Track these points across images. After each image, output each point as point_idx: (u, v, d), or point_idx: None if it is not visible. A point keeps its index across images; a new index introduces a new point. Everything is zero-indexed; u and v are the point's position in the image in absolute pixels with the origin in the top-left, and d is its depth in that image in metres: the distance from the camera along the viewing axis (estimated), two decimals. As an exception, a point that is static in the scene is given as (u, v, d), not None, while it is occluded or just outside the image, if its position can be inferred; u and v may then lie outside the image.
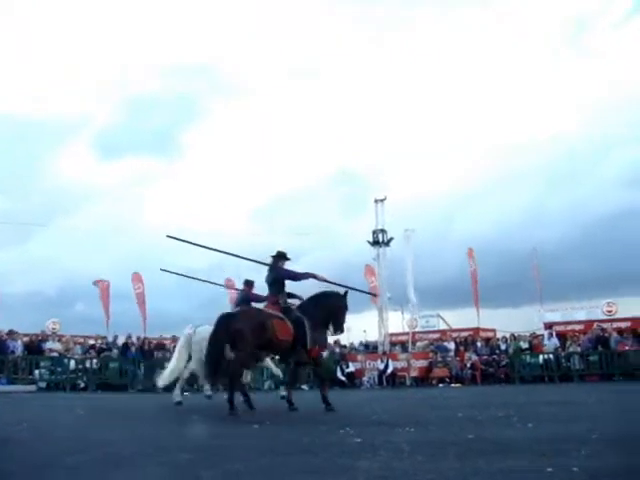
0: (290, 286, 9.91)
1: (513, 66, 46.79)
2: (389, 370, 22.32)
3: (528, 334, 23.70)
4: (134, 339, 22.61)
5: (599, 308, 26.50)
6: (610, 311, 26.06)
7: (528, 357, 22.07)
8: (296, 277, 9.79)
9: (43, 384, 19.84)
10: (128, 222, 40.00)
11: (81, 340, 23.86)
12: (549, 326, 24.46)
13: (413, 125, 48.96)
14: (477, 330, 26.18)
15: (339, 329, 10.05)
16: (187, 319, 28.90)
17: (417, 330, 27.52)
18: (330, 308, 9.73)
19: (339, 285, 10.13)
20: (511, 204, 40.65)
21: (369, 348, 26.05)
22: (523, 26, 48.18)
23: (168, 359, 21.48)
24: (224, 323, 9.17)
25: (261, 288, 10.62)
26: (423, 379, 22.64)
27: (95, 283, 26.75)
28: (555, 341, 22.49)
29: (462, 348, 23.43)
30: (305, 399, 12.05)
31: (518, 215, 38.97)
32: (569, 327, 25.69)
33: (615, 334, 22.10)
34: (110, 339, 23.41)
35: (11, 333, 20.84)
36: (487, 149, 47.36)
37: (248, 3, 52.26)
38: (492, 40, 48.48)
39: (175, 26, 50.13)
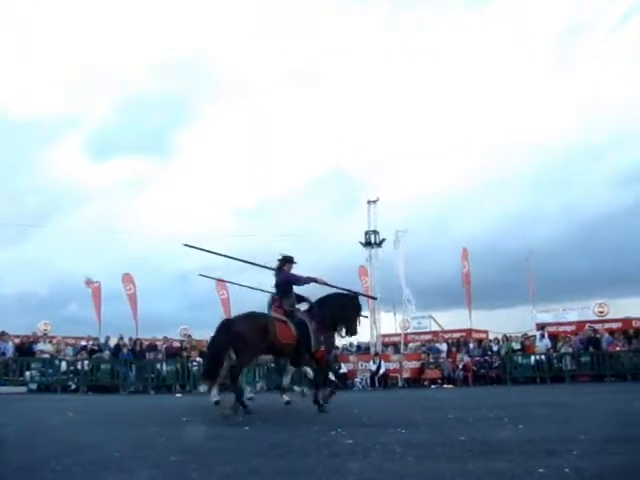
0: (299, 289, 9.96)
1: (508, 68, 46.90)
2: (381, 371, 22.31)
3: (520, 335, 23.73)
4: (126, 340, 22.52)
5: (590, 309, 26.56)
6: (602, 312, 26.12)
7: (520, 358, 22.09)
8: (298, 281, 9.83)
9: (34, 386, 19.73)
10: (120, 223, 39.85)
11: (72, 341, 23.73)
12: (541, 327, 24.48)
13: (406, 126, 49.04)
14: (469, 331, 26.19)
15: (351, 332, 10.07)
16: (179, 320, 29.02)
17: (409, 331, 27.53)
18: (341, 310, 9.76)
19: (339, 288, 10.14)
20: (504, 205, 40.81)
21: (361, 349, 26.03)
22: (520, 29, 48.16)
23: (160, 360, 21.51)
24: (225, 327, 9.26)
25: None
26: (415, 380, 22.63)
27: (86, 283, 26.62)
28: (547, 342, 22.52)
29: (454, 349, 23.44)
30: (296, 401, 12.01)
31: (511, 216, 39.09)
32: (561, 328, 25.73)
33: (606, 335, 22.16)
34: (102, 340, 23.30)
35: (2, 335, 20.73)
36: (481, 150, 47.49)
37: (240, 3, 52.12)
38: (486, 43, 48.50)
39: (170, 26, 49.86)
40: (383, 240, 25.38)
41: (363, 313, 11.16)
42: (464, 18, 48.85)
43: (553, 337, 23.46)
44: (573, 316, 26.91)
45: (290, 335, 9.30)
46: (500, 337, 23.94)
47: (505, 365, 21.81)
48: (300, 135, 51.30)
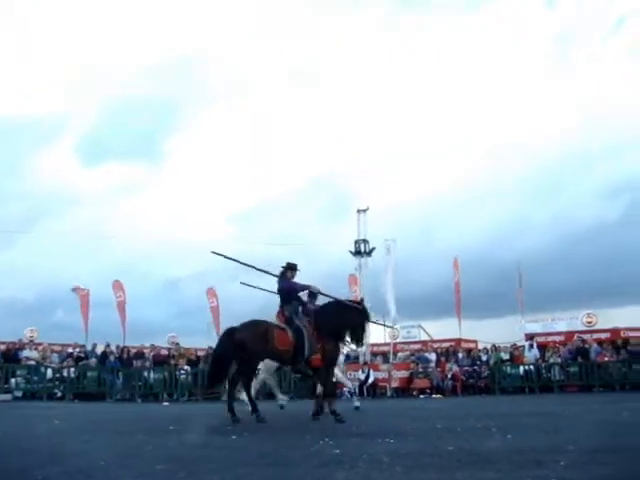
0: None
1: (500, 76, 47.13)
2: (370, 380, 22.25)
3: (509, 345, 23.77)
4: (113, 348, 22.37)
5: (579, 319, 26.65)
6: (590, 322, 26.20)
7: (509, 368, 22.13)
8: (295, 289, 9.87)
9: (19, 393, 19.57)
10: (110, 228, 39.65)
11: (59, 348, 23.56)
12: (530, 337, 24.53)
13: (397, 135, 49.15)
14: (458, 341, 26.20)
15: (357, 340, 9.97)
16: (167, 328, 28.89)
17: (398, 341, 27.49)
18: (340, 319, 9.65)
19: (331, 297, 10.11)
20: (494, 215, 40.90)
21: (350, 358, 25.95)
22: (514, 38, 48.45)
23: (147, 368, 21.37)
24: (227, 335, 9.59)
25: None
26: (404, 390, 22.59)
27: (74, 290, 26.46)
28: (536, 352, 22.57)
29: (443, 359, 23.44)
30: (285, 410, 11.98)
31: (501, 226, 39.21)
32: (550, 338, 25.79)
33: (595, 345, 22.23)
34: (88, 348, 23.14)
35: (-13, 342, 20.59)
36: (472, 160, 47.61)
37: (234, 4, 52.11)
38: (483, 46, 48.72)
39: (163, 29, 49.86)
40: (373, 249, 25.40)
41: (379, 321, 11.38)
42: (463, 19, 49.09)
43: (542, 347, 23.53)
44: (562, 326, 26.97)
45: (287, 342, 9.38)
46: (489, 347, 23.97)
47: (494, 375, 21.83)
48: (291, 143, 51.31)
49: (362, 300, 9.97)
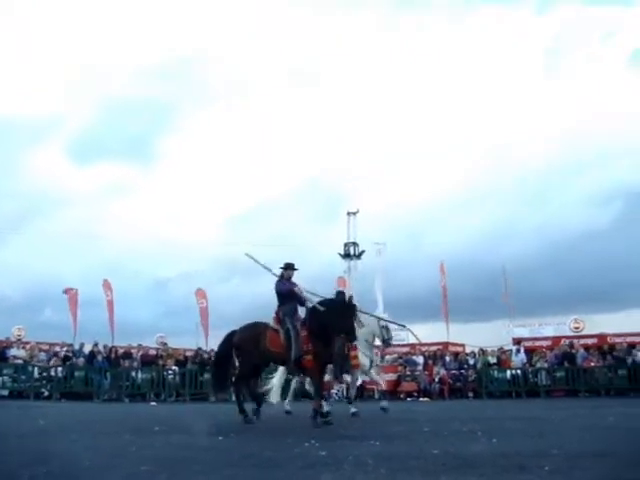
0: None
1: (490, 82, 47.24)
2: (357, 383, 22.22)
3: (496, 349, 23.86)
4: (101, 347, 22.27)
5: (566, 324, 26.77)
6: (577, 327, 26.33)
7: (496, 372, 22.21)
8: (282, 290, 9.85)
9: (5, 392, 19.45)
10: (100, 229, 39.47)
11: (46, 347, 23.44)
12: (517, 341, 24.64)
13: (388, 139, 49.08)
14: (446, 344, 26.25)
15: (349, 336, 9.47)
16: (155, 328, 28.81)
17: (387, 343, 27.47)
18: (329, 316, 9.22)
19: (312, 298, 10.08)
20: (484, 220, 40.99)
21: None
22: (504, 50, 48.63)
23: (135, 368, 21.31)
24: (227, 338, 9.95)
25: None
26: (391, 393, 22.58)
27: (65, 291, 26.36)
28: (523, 356, 22.68)
29: (431, 362, 23.48)
30: (272, 411, 11.96)
31: (490, 231, 39.32)
32: (537, 343, 25.92)
33: (581, 350, 22.35)
34: (76, 347, 23.03)
35: (-26, 340, 20.46)
36: (461, 165, 47.74)
37: (228, 5, 52.06)
38: (476, 53, 48.85)
39: (158, 30, 49.71)
40: (362, 252, 25.43)
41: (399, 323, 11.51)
42: (463, 19, 49.21)
43: (529, 352, 23.63)
44: (549, 331, 27.10)
45: (279, 343, 9.46)
46: (476, 351, 24.04)
47: (481, 379, 21.91)
48: (284, 145, 51.18)
49: (351, 298, 9.85)
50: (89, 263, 33.93)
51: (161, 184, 49.96)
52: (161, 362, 21.71)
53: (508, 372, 21.95)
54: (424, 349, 25.76)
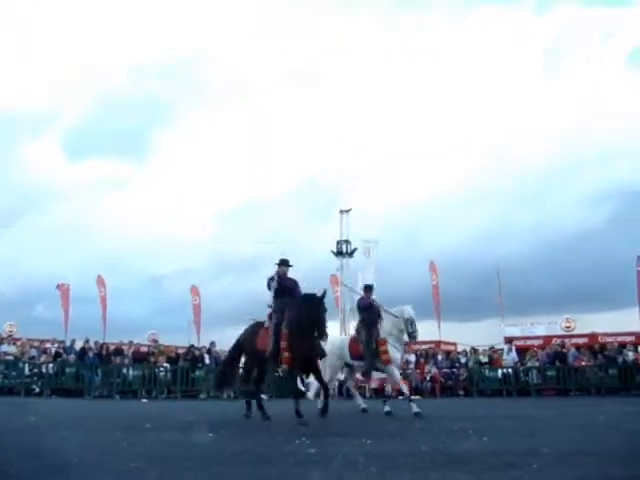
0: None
1: (489, 82, 47.28)
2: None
3: (488, 348, 23.94)
4: (92, 344, 22.20)
5: (558, 324, 26.88)
6: (569, 327, 26.45)
7: (487, 371, 22.28)
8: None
9: (-4, 388, 19.37)
10: (93, 224, 39.32)
11: (37, 343, 23.33)
12: (509, 340, 24.75)
13: (384, 138, 49.12)
14: (438, 343, 26.32)
15: (319, 332, 9.23)
16: (147, 324, 28.75)
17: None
18: (299, 313, 9.14)
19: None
20: (478, 220, 41.10)
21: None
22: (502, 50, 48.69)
23: (126, 365, 21.26)
24: (238, 339, 10.21)
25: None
26: (383, 391, 22.60)
27: (58, 287, 26.25)
28: (514, 355, 22.77)
29: (422, 360, 23.53)
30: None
31: (484, 231, 39.42)
32: (528, 342, 26.02)
33: (572, 350, 22.45)
34: (68, 343, 22.96)
35: (-35, 336, 20.36)
36: (457, 165, 47.82)
37: (223, 9, 51.96)
38: (475, 54, 48.88)
39: (156, 27, 49.53)
40: (354, 250, 25.46)
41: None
42: (463, 19, 49.21)
43: (520, 351, 23.71)
44: (541, 330, 27.21)
45: (264, 342, 9.44)
46: (468, 349, 24.11)
47: (472, 377, 21.96)
48: (279, 144, 51.22)
49: (324, 293, 9.69)
50: (82, 259, 33.81)
51: (156, 180, 49.93)
52: (152, 359, 21.67)
53: (499, 371, 22.04)
54: (416, 347, 25.82)
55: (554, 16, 49.72)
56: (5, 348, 21.11)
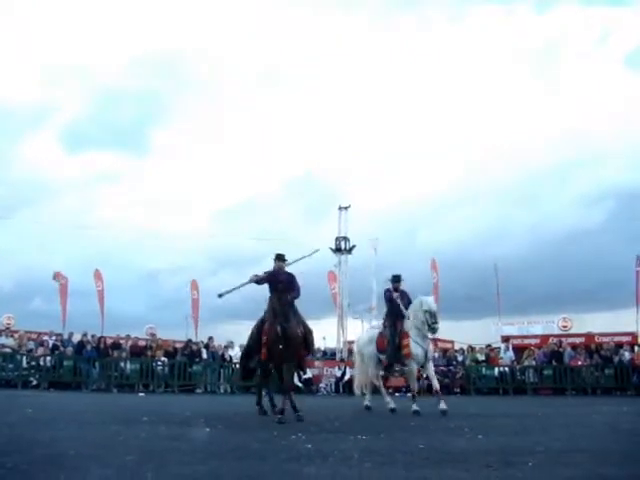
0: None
1: (486, 82, 47.32)
2: (346, 377, 22.32)
3: (485, 346, 23.96)
4: (90, 337, 22.20)
5: (555, 323, 26.93)
6: (565, 326, 26.51)
7: (484, 369, 22.30)
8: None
9: (-7, 380, 19.37)
10: (91, 218, 39.33)
11: (35, 336, 23.33)
12: (506, 339, 24.75)
13: (381, 136, 49.22)
14: (435, 341, 26.29)
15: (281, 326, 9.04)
16: (146, 319, 28.75)
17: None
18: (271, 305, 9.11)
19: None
20: (475, 219, 41.15)
21: (327, 355, 26.04)
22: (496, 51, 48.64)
23: (124, 359, 21.28)
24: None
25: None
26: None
27: (55, 277, 26.19)
28: (511, 354, 22.80)
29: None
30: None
31: (481, 230, 39.47)
32: (525, 341, 26.06)
33: (569, 349, 22.48)
34: (65, 336, 22.95)
35: (-38, 328, 20.34)
36: (455, 165, 47.91)
37: (223, 5, 51.93)
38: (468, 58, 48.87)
39: (153, 22, 49.52)
40: (353, 247, 25.48)
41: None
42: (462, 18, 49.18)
43: (517, 350, 23.74)
44: (537, 330, 27.27)
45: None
46: (465, 348, 24.13)
47: (469, 376, 21.98)
48: (276, 140, 51.22)
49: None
50: (80, 253, 33.83)
51: (154, 175, 49.92)
52: (150, 353, 21.68)
53: (496, 369, 22.04)
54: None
55: (554, 16, 49.75)
56: (3, 340, 21.08)
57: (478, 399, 19.10)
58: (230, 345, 22.51)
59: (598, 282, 31.81)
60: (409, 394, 10.36)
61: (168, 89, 52.02)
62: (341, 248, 25.36)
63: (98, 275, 26.48)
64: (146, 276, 39.06)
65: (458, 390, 21.80)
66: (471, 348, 23.73)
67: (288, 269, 9.61)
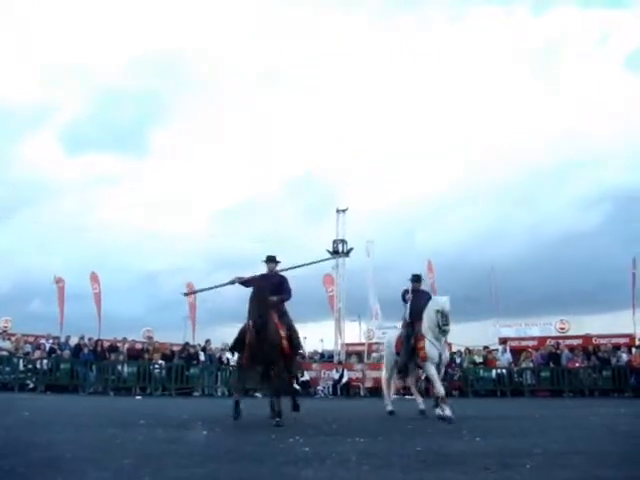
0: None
1: (486, 83, 47.38)
2: (344, 380, 22.33)
3: (482, 348, 23.96)
4: (86, 340, 22.16)
5: (552, 325, 26.95)
6: (563, 328, 26.53)
7: (482, 371, 22.31)
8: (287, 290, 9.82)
9: (-11, 384, 19.31)
10: (89, 220, 39.26)
11: (32, 339, 23.28)
12: (503, 341, 24.76)
13: (381, 134, 49.23)
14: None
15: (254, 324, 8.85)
16: (143, 322, 28.70)
17: (373, 341, 27.60)
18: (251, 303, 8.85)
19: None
20: (472, 220, 41.17)
21: (325, 357, 26.03)
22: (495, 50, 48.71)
23: (121, 362, 21.24)
24: None
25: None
26: (377, 390, 22.63)
27: (55, 281, 26.14)
28: (508, 356, 22.80)
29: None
30: (257, 406, 11.95)
31: (478, 231, 39.51)
32: (523, 343, 26.08)
33: (566, 351, 22.49)
34: (63, 339, 22.91)
35: (-41, 331, 20.29)
36: (453, 166, 47.95)
37: (223, 5, 51.92)
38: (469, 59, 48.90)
39: (152, 23, 49.54)
40: (351, 249, 25.45)
41: None
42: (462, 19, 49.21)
43: (515, 352, 23.74)
44: (535, 331, 27.28)
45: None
46: (463, 350, 24.12)
47: (467, 378, 21.98)
48: (275, 141, 51.24)
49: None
50: (78, 255, 33.80)
51: (153, 176, 49.87)
52: (147, 356, 21.65)
53: (494, 371, 22.05)
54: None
55: (553, 17, 49.86)
56: (0, 343, 21.06)
57: (476, 401, 19.10)
58: (227, 348, 22.47)
59: (596, 284, 31.85)
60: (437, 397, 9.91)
61: (168, 89, 52.01)
62: (338, 251, 25.34)
63: (95, 278, 26.42)
64: (145, 278, 39.04)
65: (456, 392, 21.79)
66: (468, 350, 23.73)
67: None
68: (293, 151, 51.74)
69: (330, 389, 22.48)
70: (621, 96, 42.97)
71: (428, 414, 10.21)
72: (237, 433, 7.69)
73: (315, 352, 26.30)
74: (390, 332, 12.52)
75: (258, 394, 18.41)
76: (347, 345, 26.70)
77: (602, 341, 24.19)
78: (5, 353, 20.32)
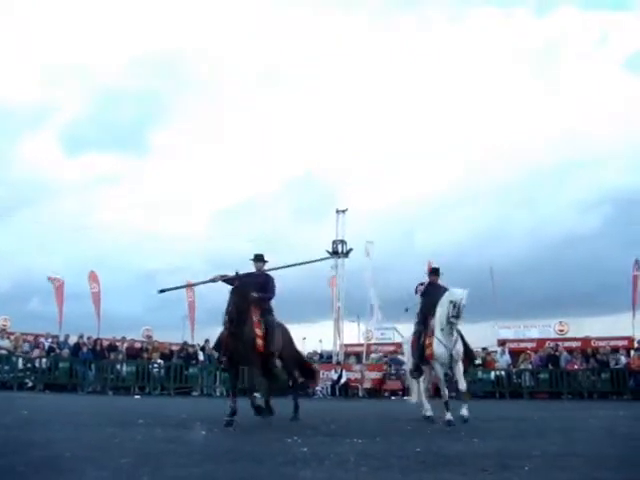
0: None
1: (486, 83, 47.36)
2: (342, 381, 22.32)
3: (481, 350, 23.93)
4: (85, 339, 22.15)
5: (551, 327, 26.94)
6: (562, 330, 26.51)
7: (480, 373, 22.29)
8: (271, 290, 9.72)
9: (-12, 382, 19.31)
10: (88, 220, 39.24)
11: (31, 338, 23.26)
12: (502, 343, 24.75)
13: (381, 135, 49.19)
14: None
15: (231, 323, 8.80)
16: (142, 321, 28.68)
17: (372, 342, 27.61)
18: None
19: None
20: (472, 221, 41.14)
21: (323, 358, 26.03)
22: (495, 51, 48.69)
23: (120, 361, 21.24)
24: None
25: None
26: (376, 391, 22.67)
27: (50, 279, 26.12)
28: (507, 358, 22.79)
29: (416, 361, 23.49)
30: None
31: (478, 232, 39.46)
32: (522, 345, 26.05)
33: (565, 353, 22.49)
34: (62, 338, 22.89)
35: (-42, 329, 20.27)
36: (453, 166, 47.93)
37: (223, 5, 51.90)
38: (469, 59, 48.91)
39: (152, 23, 49.51)
40: (350, 250, 25.44)
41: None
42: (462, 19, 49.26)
43: (514, 353, 23.73)
44: (534, 333, 27.25)
45: None
46: (461, 351, 24.08)
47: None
48: (275, 141, 51.22)
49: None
50: (77, 254, 33.76)
51: (152, 176, 49.84)
52: (146, 355, 21.65)
53: (492, 373, 22.04)
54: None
55: (554, 18, 49.87)
56: (-2, 343, 21.06)
57: (474, 403, 19.01)
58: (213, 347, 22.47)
59: (596, 286, 31.84)
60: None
61: (168, 89, 51.92)
62: (338, 251, 25.32)
63: (93, 277, 26.36)
64: (144, 277, 38.96)
65: (454, 394, 21.77)
66: (468, 351, 23.69)
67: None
68: (293, 151, 51.80)
69: (329, 390, 22.47)
70: (621, 96, 42.89)
71: (437, 420, 9.68)
72: (236, 433, 7.68)
73: (314, 352, 26.28)
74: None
75: (257, 394, 18.36)
76: (346, 346, 26.70)
77: (601, 343, 24.15)
78: (4, 352, 20.32)
